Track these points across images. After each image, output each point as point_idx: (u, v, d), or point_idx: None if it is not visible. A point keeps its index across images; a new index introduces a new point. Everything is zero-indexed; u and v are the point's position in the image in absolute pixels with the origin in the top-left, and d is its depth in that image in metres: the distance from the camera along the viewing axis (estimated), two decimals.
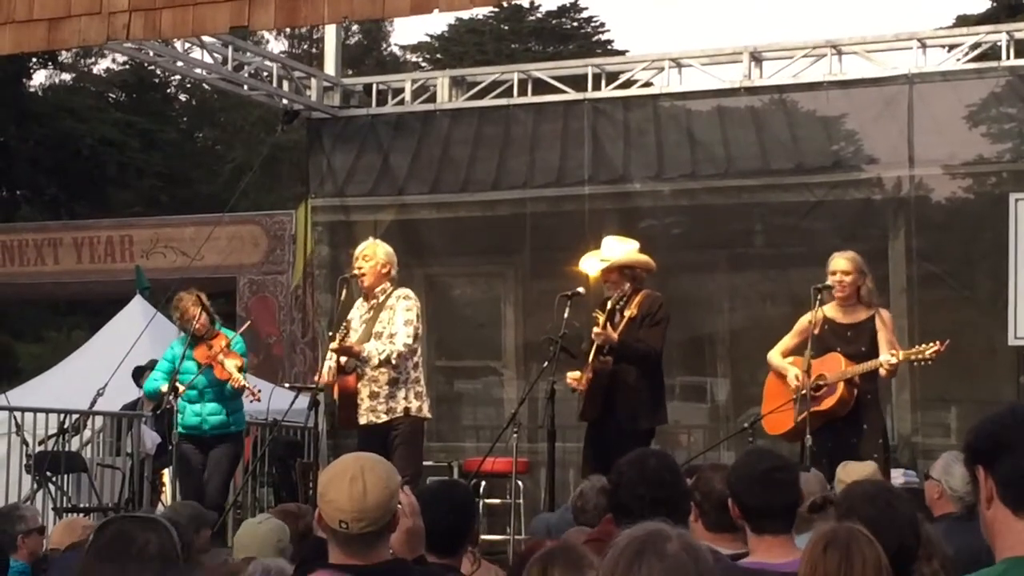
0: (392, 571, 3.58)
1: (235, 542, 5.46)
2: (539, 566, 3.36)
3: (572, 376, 8.36)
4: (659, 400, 8.53)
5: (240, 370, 9.52)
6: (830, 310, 8.07)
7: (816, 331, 8.01)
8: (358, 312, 8.63)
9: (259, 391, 9.53)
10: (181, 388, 9.51)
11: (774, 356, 8.27)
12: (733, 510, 4.23)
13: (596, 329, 8.20)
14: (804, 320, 8.14)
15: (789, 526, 4.17)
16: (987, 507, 2.48)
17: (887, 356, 7.84)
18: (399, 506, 3.62)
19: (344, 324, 8.45)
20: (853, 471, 5.55)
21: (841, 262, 8.02)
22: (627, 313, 8.26)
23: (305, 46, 33.90)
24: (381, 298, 8.53)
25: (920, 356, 7.85)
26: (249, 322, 10.95)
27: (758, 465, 4.23)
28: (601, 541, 5.04)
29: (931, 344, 7.84)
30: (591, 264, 8.59)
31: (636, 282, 8.42)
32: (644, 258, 8.59)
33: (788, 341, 8.24)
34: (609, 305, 8.30)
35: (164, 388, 9.65)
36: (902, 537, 3.76)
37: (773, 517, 4.12)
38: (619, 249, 8.54)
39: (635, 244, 8.68)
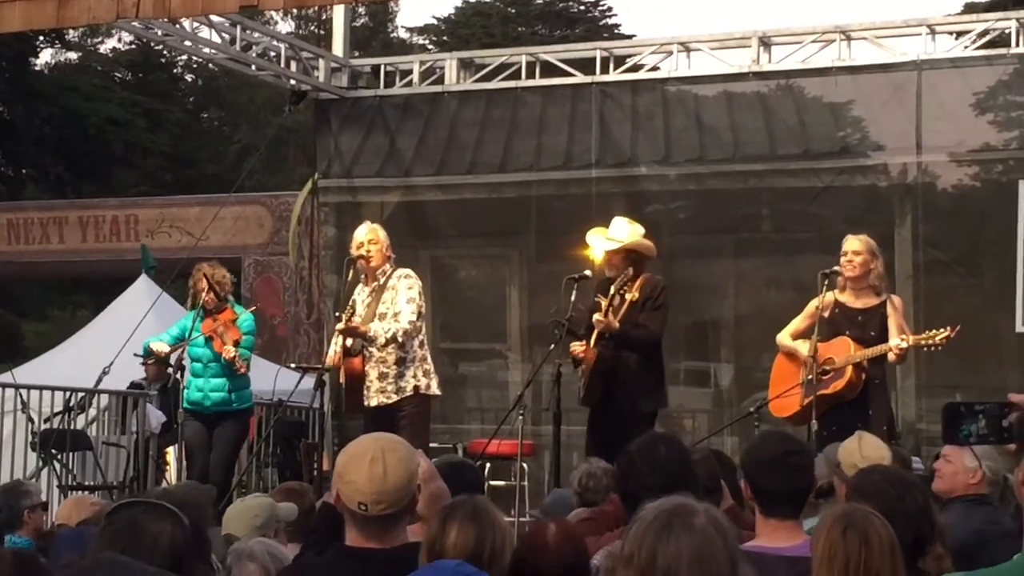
0: (411, 555, 3.53)
1: (223, 519, 5.50)
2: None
3: (576, 346, 8.34)
4: (660, 383, 8.53)
5: (237, 344, 9.20)
6: (841, 294, 8.06)
7: (826, 314, 7.99)
8: (359, 296, 8.63)
9: (244, 361, 9.23)
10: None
11: (783, 337, 8.25)
12: (745, 491, 4.23)
13: (597, 316, 8.19)
14: (813, 304, 8.12)
15: (799, 511, 4.15)
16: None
17: (897, 340, 7.82)
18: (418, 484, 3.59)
19: (350, 305, 8.45)
20: (868, 447, 5.45)
21: (854, 242, 8.00)
22: (628, 296, 8.24)
23: (313, 27, 33.86)
24: (382, 280, 8.53)
25: (930, 341, 7.82)
26: (256, 307, 10.86)
27: (774, 448, 4.22)
28: (593, 520, 5.10)
29: (942, 330, 7.79)
30: (598, 241, 8.58)
31: (638, 266, 8.42)
32: (648, 243, 8.59)
33: (798, 323, 8.21)
34: (612, 289, 8.30)
35: (156, 346, 9.41)
36: (917, 526, 3.75)
37: (785, 501, 4.11)
38: (625, 231, 8.53)
39: (641, 229, 8.69)
